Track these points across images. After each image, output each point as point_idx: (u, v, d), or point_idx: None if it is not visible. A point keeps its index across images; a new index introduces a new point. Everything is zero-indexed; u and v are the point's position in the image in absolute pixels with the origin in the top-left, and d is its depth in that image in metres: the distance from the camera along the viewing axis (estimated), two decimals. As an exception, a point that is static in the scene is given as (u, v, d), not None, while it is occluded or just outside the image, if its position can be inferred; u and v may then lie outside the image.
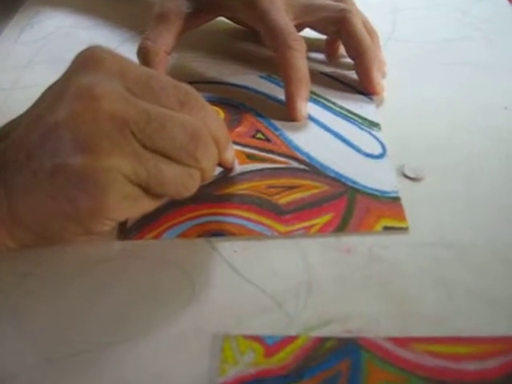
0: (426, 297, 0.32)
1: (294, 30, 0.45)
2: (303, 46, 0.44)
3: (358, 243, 0.35)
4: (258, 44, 0.50)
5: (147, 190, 0.33)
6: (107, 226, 0.33)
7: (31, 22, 0.58)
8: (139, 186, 0.32)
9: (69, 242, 0.35)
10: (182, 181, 0.33)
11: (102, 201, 0.31)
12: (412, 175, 0.39)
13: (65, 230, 0.34)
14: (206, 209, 0.38)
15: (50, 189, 0.32)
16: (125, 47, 0.53)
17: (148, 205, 0.34)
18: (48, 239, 0.35)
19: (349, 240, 0.35)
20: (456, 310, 0.32)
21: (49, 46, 0.54)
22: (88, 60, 0.33)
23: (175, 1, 0.48)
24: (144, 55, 0.46)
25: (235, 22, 0.55)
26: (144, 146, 0.32)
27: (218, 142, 0.35)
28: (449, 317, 0.31)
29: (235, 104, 0.46)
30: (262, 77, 0.49)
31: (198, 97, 0.35)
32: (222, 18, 0.53)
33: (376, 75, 0.46)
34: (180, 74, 0.49)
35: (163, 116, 0.32)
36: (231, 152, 0.38)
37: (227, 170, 0.40)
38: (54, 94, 0.33)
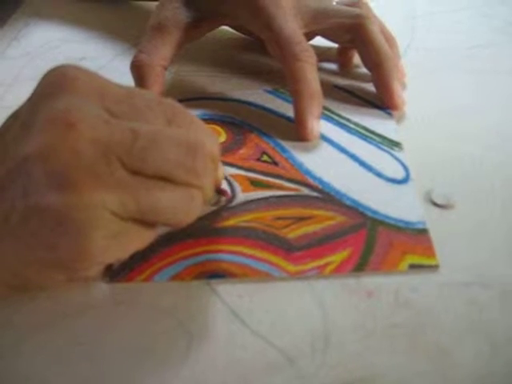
0: (464, 348, 0.29)
1: (302, 39, 0.41)
2: (313, 58, 0.41)
3: (381, 284, 0.32)
4: (265, 55, 0.47)
5: (141, 222, 0.29)
6: (93, 271, 0.30)
7: (18, 36, 0.55)
8: (130, 219, 0.29)
9: (47, 288, 0.32)
10: (182, 205, 0.30)
11: (86, 244, 0.27)
12: (441, 202, 0.36)
13: (43, 278, 0.30)
14: (204, 245, 0.34)
15: (23, 235, 0.28)
16: (118, 61, 0.50)
17: (142, 239, 0.30)
18: (22, 289, 0.31)
19: (371, 280, 0.32)
20: (501, 363, 0.28)
21: (37, 61, 0.51)
22: (59, 81, 0.29)
23: (173, 9, 0.45)
24: (138, 70, 0.43)
25: (239, 31, 0.52)
26: (134, 172, 0.28)
27: (213, 156, 0.31)
28: (493, 371, 0.28)
29: (238, 123, 0.42)
30: (268, 91, 0.45)
31: (185, 112, 0.32)
32: (225, 27, 0.51)
33: (396, 87, 0.43)
34: (178, 89, 0.47)
35: (151, 132, 0.29)
36: (222, 170, 0.35)
37: (222, 194, 0.36)
38: (20, 124, 0.29)
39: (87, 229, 0.27)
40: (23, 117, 0.29)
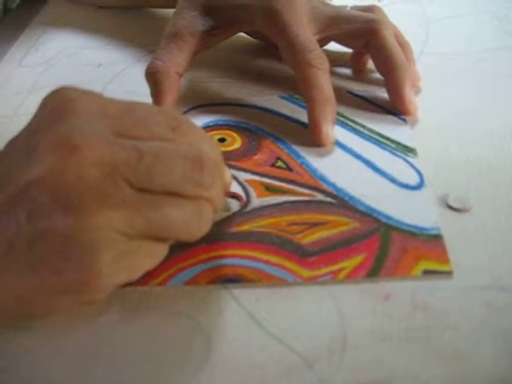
0: (482, 352, 0.29)
1: (316, 46, 0.41)
2: (326, 64, 0.41)
3: (398, 288, 0.32)
4: (279, 61, 0.47)
5: (151, 239, 0.29)
6: (102, 294, 0.29)
7: (36, 44, 0.56)
8: (139, 237, 0.28)
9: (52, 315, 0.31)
10: (193, 219, 0.29)
11: (94, 266, 0.27)
12: (457, 206, 0.35)
13: (49, 305, 0.29)
14: (219, 250, 0.34)
15: (29, 261, 0.27)
16: (135, 68, 0.51)
17: (153, 257, 0.30)
18: (26, 319, 0.31)
19: (387, 284, 0.32)
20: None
21: (54, 69, 0.52)
22: (59, 104, 0.29)
23: (189, 17, 0.45)
24: (153, 76, 0.43)
25: (254, 37, 0.52)
26: (141, 189, 0.28)
27: (217, 164, 0.31)
28: (511, 375, 0.28)
29: (253, 128, 0.42)
30: (283, 97, 0.45)
31: (187, 119, 0.32)
32: (240, 33, 0.50)
33: (408, 93, 0.42)
34: (193, 96, 0.46)
35: (156, 148, 0.29)
36: (228, 174, 0.34)
37: (237, 199, 0.36)
38: (20, 150, 0.28)
39: (95, 251, 0.27)
40: (24, 142, 0.29)
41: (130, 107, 0.30)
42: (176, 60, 0.43)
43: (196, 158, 0.29)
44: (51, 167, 0.27)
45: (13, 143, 0.29)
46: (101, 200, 0.27)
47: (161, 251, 0.30)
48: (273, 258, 0.33)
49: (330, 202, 0.36)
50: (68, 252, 0.27)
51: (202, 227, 0.30)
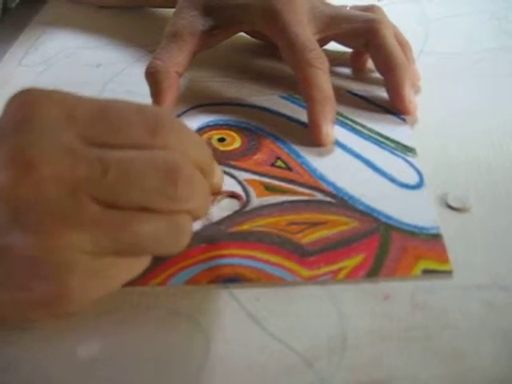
0: (481, 351, 0.28)
1: (316, 46, 0.41)
2: (326, 64, 0.41)
3: (397, 287, 0.32)
4: (279, 60, 0.47)
5: (124, 255, 0.27)
6: (79, 308, 0.28)
7: (36, 44, 0.56)
8: (110, 254, 0.27)
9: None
10: (168, 234, 0.28)
11: (63, 286, 0.26)
12: (457, 205, 0.35)
13: (23, 318, 0.28)
14: (219, 249, 0.34)
15: None
16: (134, 67, 0.50)
17: (130, 271, 0.28)
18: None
19: (387, 284, 0.32)
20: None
21: (54, 69, 0.52)
22: (21, 110, 0.27)
23: (189, 17, 0.45)
24: (152, 76, 0.43)
25: (254, 37, 0.52)
26: (108, 205, 0.26)
27: (203, 167, 0.29)
28: (510, 375, 0.28)
29: (253, 128, 0.42)
30: (283, 97, 0.45)
31: (170, 118, 0.29)
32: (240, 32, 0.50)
33: (408, 93, 0.42)
34: (192, 95, 0.46)
35: (123, 160, 0.26)
36: (218, 173, 0.32)
37: (237, 199, 0.36)
38: None
39: (61, 272, 0.25)
40: None
41: (103, 109, 0.27)
42: (176, 60, 0.43)
43: (170, 169, 0.27)
44: (7, 183, 0.25)
45: None
46: (62, 219, 0.25)
47: (138, 264, 0.28)
48: (272, 258, 0.33)
49: (329, 202, 0.36)
50: (35, 270, 0.25)
51: (180, 241, 0.29)
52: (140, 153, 0.27)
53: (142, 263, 0.29)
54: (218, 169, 0.33)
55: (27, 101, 0.27)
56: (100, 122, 0.27)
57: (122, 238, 0.26)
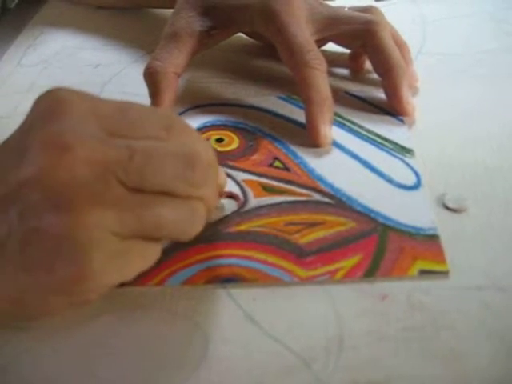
0: (478, 352, 0.29)
1: (314, 47, 0.41)
2: (323, 65, 0.41)
3: (394, 288, 0.32)
4: (278, 61, 0.47)
5: (143, 239, 0.28)
6: (96, 294, 0.29)
7: (35, 44, 0.56)
8: (132, 237, 0.28)
9: (47, 317, 0.31)
10: (186, 219, 0.29)
11: (86, 266, 0.27)
12: (454, 206, 0.35)
13: (43, 304, 0.29)
14: (216, 249, 0.34)
15: (22, 260, 0.27)
16: (133, 68, 0.51)
17: (146, 258, 0.29)
18: (20, 319, 0.31)
19: (384, 284, 0.32)
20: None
21: (52, 69, 0.52)
22: (51, 106, 0.28)
23: (187, 18, 0.45)
24: (151, 77, 0.43)
25: (252, 37, 0.52)
26: (133, 189, 0.28)
27: (210, 164, 0.31)
28: (508, 375, 0.28)
29: (251, 129, 0.43)
30: (281, 98, 0.45)
31: (181, 120, 0.31)
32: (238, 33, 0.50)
33: (405, 94, 0.42)
34: (191, 96, 0.46)
35: (147, 147, 0.28)
36: (222, 176, 0.34)
37: (235, 199, 0.36)
38: (13, 151, 0.28)
39: (87, 249, 0.26)
40: (16, 142, 0.29)
41: (123, 108, 0.30)
42: (174, 60, 0.43)
43: (188, 156, 0.29)
44: (43, 166, 0.26)
45: (6, 144, 0.29)
46: (92, 199, 0.27)
47: (153, 252, 0.30)
48: (270, 258, 0.33)
49: (327, 203, 0.36)
50: (60, 250, 0.26)
51: (195, 226, 0.30)
52: (161, 142, 0.29)
53: (156, 252, 0.30)
54: (222, 171, 0.34)
55: (57, 97, 0.29)
56: (121, 118, 0.29)
57: (144, 218, 0.28)
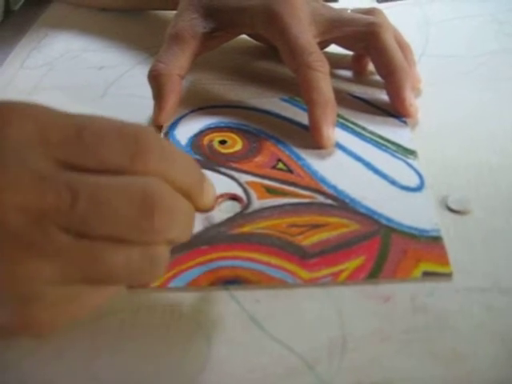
0: (481, 354, 0.28)
1: (316, 49, 0.41)
2: (326, 67, 0.41)
3: (398, 289, 0.32)
4: (281, 63, 0.46)
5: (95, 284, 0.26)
6: (49, 331, 0.27)
7: (39, 46, 0.56)
8: (79, 284, 0.25)
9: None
10: (142, 266, 0.26)
11: (28, 316, 0.25)
12: (457, 208, 0.35)
13: None
14: (219, 251, 0.34)
15: None
16: (137, 70, 0.51)
17: (101, 296, 0.27)
18: None
19: (387, 286, 0.32)
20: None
21: (56, 71, 0.52)
22: None
23: (190, 20, 0.45)
24: (155, 79, 0.43)
25: (255, 39, 0.52)
26: (79, 235, 0.24)
27: (189, 191, 0.28)
28: (510, 377, 0.28)
29: (254, 131, 0.43)
30: (284, 99, 0.45)
31: (153, 139, 0.27)
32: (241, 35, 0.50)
33: (408, 95, 0.42)
34: (194, 98, 0.46)
35: (95, 189, 0.24)
36: (208, 193, 0.30)
37: (238, 201, 0.36)
38: None
39: (26, 302, 0.24)
40: None
41: (79, 127, 0.25)
42: (178, 62, 0.43)
43: (146, 200, 0.25)
44: None
45: None
46: (27, 250, 0.24)
47: (111, 290, 0.27)
48: (273, 260, 0.33)
49: (330, 204, 0.36)
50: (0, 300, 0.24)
51: (154, 273, 0.27)
52: (115, 179, 0.25)
53: (114, 289, 0.28)
54: (210, 187, 0.31)
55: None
56: (75, 143, 0.25)
57: (92, 269, 0.25)
